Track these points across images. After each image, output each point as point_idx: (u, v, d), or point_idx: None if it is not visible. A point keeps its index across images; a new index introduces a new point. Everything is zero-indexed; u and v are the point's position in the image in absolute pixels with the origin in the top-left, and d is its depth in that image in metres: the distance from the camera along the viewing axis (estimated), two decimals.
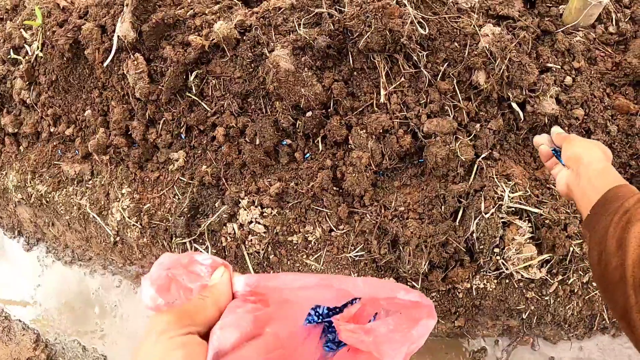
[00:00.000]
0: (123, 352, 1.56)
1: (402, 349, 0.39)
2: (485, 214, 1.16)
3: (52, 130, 1.51)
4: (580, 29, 1.35)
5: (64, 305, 1.63)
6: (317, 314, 0.45)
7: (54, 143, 1.53)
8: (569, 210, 1.19)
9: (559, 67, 1.26)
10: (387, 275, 1.23)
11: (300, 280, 0.42)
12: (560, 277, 1.22)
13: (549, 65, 1.25)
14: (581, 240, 1.19)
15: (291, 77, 1.25)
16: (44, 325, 1.63)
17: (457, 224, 1.20)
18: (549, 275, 1.21)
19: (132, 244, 1.46)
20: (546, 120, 1.22)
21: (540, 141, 0.91)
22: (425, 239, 1.17)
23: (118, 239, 1.48)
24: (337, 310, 0.44)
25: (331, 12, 1.24)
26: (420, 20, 1.19)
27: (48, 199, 1.50)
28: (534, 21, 1.31)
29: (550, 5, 1.36)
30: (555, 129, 0.89)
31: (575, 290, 1.24)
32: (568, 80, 1.27)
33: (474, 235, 1.17)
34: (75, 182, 1.49)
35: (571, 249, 1.18)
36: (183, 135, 1.44)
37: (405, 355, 0.40)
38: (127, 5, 1.32)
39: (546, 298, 1.24)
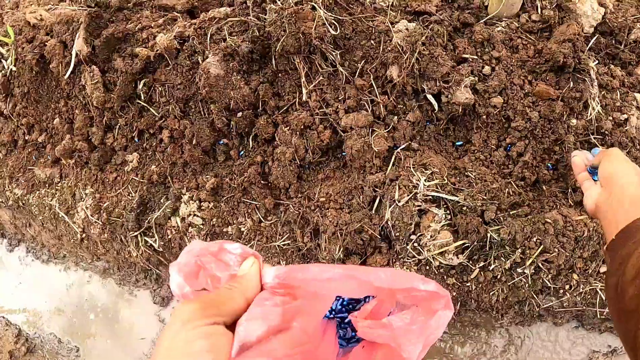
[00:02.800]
0: (95, 344, 1.80)
1: (420, 340, 0.41)
2: (399, 202, 1.28)
3: (26, 138, 1.79)
4: (504, 19, 1.45)
5: (42, 302, 1.90)
6: (330, 309, 0.47)
7: (29, 150, 1.81)
8: (485, 197, 1.29)
9: (476, 57, 1.36)
10: (309, 262, 1.38)
11: (327, 272, 0.43)
12: (482, 264, 1.31)
13: (465, 56, 1.36)
14: (498, 227, 1.28)
15: (221, 82, 1.44)
16: (25, 321, 1.90)
17: (373, 212, 1.33)
18: (470, 262, 1.31)
19: (96, 239, 1.70)
20: (460, 110, 1.32)
21: (578, 155, 0.93)
22: (341, 227, 1.31)
23: (84, 235, 1.72)
24: (351, 306, 0.47)
25: (254, 20, 1.42)
26: (333, 21, 1.35)
27: (24, 202, 1.77)
28: (454, 14, 1.42)
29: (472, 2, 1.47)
30: (597, 150, 0.90)
31: (499, 277, 1.32)
32: (487, 69, 1.36)
33: (389, 223, 1.30)
34: (47, 185, 1.75)
35: (488, 235, 1.27)
36: (136, 139, 1.67)
37: (423, 346, 0.41)
38: (81, 22, 1.57)
39: (468, 284, 1.33)
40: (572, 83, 1.33)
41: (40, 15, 1.73)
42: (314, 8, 1.34)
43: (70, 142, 1.71)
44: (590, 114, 1.33)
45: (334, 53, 1.36)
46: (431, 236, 1.28)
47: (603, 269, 1.37)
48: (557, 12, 1.45)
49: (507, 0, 1.39)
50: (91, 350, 1.81)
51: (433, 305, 0.43)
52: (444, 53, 1.34)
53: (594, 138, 1.35)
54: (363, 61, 1.38)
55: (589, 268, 1.35)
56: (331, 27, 1.34)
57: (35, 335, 1.84)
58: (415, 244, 1.30)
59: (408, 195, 1.29)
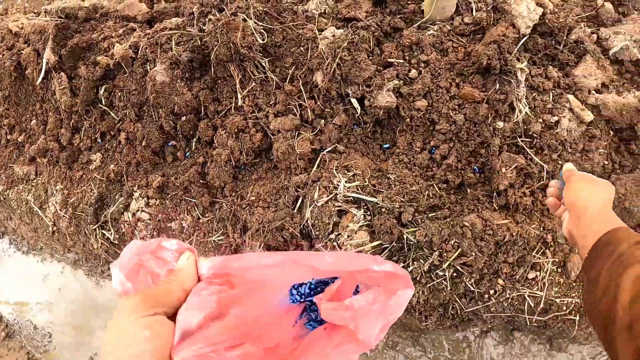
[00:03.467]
0: (65, 330, 1.97)
1: (379, 320, 0.43)
2: (318, 202, 1.34)
3: (8, 137, 2.00)
4: (437, 22, 1.48)
5: (22, 291, 2.10)
6: (299, 293, 0.49)
7: (10, 148, 2.02)
8: (403, 200, 1.33)
9: (403, 61, 1.40)
10: None
11: (265, 259, 0.45)
12: (401, 265, 1.35)
13: (391, 60, 1.40)
14: (415, 229, 1.31)
15: (167, 88, 1.56)
16: (6, 309, 2.10)
17: (295, 211, 1.40)
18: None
19: (65, 232, 1.87)
20: (382, 113, 1.37)
21: (553, 185, 0.93)
22: (265, 225, 1.39)
23: (55, 228, 1.90)
24: (319, 289, 0.48)
25: (196, 31, 1.53)
26: (262, 30, 1.43)
27: (4, 197, 1.98)
28: (385, 19, 1.47)
29: (409, 2, 1.50)
30: (567, 166, 0.90)
31: (418, 279, 1.35)
32: (413, 73, 1.40)
33: (309, 222, 1.36)
34: (24, 181, 1.95)
35: (405, 236, 1.31)
36: (99, 140, 1.82)
37: (382, 326, 0.43)
38: (50, 33, 1.74)
39: None
40: (498, 85, 1.34)
41: (22, 23, 1.94)
42: (245, 19, 1.43)
43: (44, 142, 1.89)
44: (517, 117, 1.34)
45: (263, 61, 1.44)
46: (348, 236, 1.33)
47: (532, 274, 1.37)
48: (493, 14, 1.46)
49: (438, 4, 1.42)
50: (61, 336, 1.98)
51: (393, 285, 0.44)
52: (368, 58, 1.39)
53: (522, 141, 1.35)
54: (293, 67, 1.46)
55: (516, 274, 1.35)
56: (260, 36, 1.42)
57: (14, 321, 2.04)
58: (334, 243, 1.35)
59: (327, 196, 1.35)
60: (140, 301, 0.39)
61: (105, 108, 1.76)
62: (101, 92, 1.74)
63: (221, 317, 0.42)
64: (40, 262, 2.08)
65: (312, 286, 0.49)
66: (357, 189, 1.35)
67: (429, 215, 1.32)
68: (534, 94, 1.39)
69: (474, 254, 1.29)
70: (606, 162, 1.42)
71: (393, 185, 1.35)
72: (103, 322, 1.93)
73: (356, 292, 0.48)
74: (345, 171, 1.38)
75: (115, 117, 1.75)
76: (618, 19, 1.55)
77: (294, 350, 0.46)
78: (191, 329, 0.40)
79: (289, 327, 0.48)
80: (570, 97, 1.38)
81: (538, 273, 1.36)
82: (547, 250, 1.37)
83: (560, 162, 1.36)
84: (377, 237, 1.33)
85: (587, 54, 1.45)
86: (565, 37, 1.46)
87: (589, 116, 1.36)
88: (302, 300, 0.49)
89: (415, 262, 1.34)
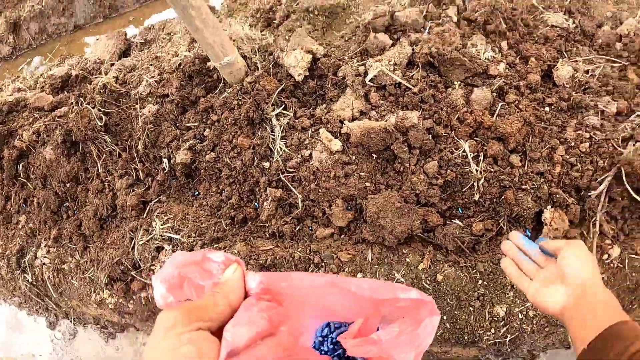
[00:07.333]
0: None
1: (411, 349, 0.45)
2: (140, 241, 1.92)
3: None
4: (234, 84, 2.01)
5: None
6: (321, 337, 0.51)
7: None
8: (195, 235, 1.86)
9: (197, 123, 1.96)
10: None
11: (308, 278, 0.48)
12: None
13: (189, 124, 1.97)
14: None
15: (54, 163, 2.26)
16: None
17: (130, 249, 1.98)
18: None
19: (5, 278, 2.62)
20: (181, 168, 1.93)
21: (521, 246, 0.93)
22: (108, 261, 1.99)
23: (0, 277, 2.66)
24: (339, 332, 0.50)
25: (63, 120, 2.21)
26: (102, 115, 2.07)
27: None
28: (193, 91, 2.04)
29: (213, 73, 2.07)
30: (544, 239, 0.90)
31: None
32: (207, 132, 1.95)
33: (137, 256, 1.94)
34: None
35: None
36: (24, 205, 2.56)
37: (415, 355, 0.46)
38: None
39: None
40: (260, 132, 1.84)
41: None
42: (89, 109, 2.09)
43: None
44: (276, 156, 1.82)
45: (105, 137, 2.08)
46: (160, 266, 1.88)
47: None
48: (272, 68, 1.96)
49: (224, 70, 1.95)
50: None
51: (418, 314, 0.46)
52: (172, 125, 1.97)
53: (284, 177, 1.82)
54: (129, 139, 2.08)
55: None
56: (100, 120, 2.07)
57: None
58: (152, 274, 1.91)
59: (147, 237, 1.92)
60: (181, 315, 0.39)
61: (24, 180, 2.50)
62: (20, 168, 2.49)
63: (272, 335, 0.43)
64: (2, 305, 2.85)
65: (331, 329, 0.50)
66: (170, 230, 1.91)
67: (213, 246, 1.84)
68: (295, 133, 1.85)
69: None
70: (368, 184, 1.83)
71: (191, 224, 1.89)
72: (38, 353, 2.61)
73: (377, 330, 0.51)
74: (163, 216, 1.95)
75: (31, 187, 2.48)
76: (384, 48, 1.95)
77: None
78: (239, 347, 0.40)
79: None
80: (322, 130, 1.82)
81: None
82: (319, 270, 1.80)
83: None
84: None
85: (347, 88, 1.88)
86: (332, 76, 1.91)
87: (336, 145, 1.77)
88: (326, 351, 0.50)
89: None
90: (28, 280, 2.43)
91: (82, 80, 2.39)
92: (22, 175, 2.50)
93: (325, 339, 0.49)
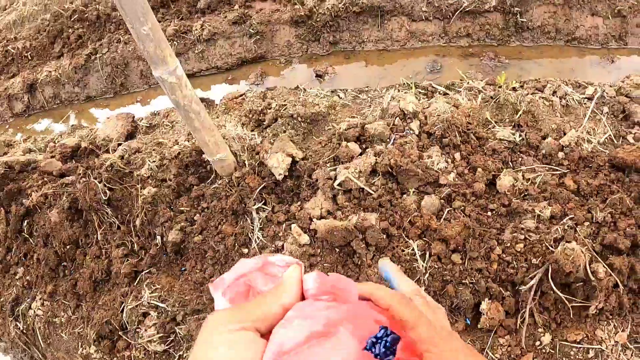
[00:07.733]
0: None
1: None
2: (129, 305, 2.24)
3: None
4: (225, 177, 2.40)
5: None
6: (376, 339, 0.48)
7: None
8: (178, 305, 2.18)
9: (189, 208, 2.33)
10: None
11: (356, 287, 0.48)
12: (180, 352, 2.18)
13: (182, 208, 2.34)
14: (186, 325, 2.15)
15: (58, 225, 2.58)
16: None
17: (119, 312, 2.29)
18: (171, 350, 2.18)
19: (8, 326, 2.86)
20: (171, 246, 2.28)
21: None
22: (98, 320, 2.29)
23: None
24: (394, 347, 0.48)
25: (71, 189, 2.56)
26: (106, 190, 2.43)
27: None
28: (188, 179, 2.42)
29: (207, 164, 2.46)
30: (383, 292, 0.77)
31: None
32: (197, 217, 2.32)
33: (125, 319, 2.25)
34: None
35: (176, 330, 2.15)
36: (23, 258, 2.86)
37: None
38: None
39: None
40: (242, 222, 2.22)
41: None
42: (96, 183, 2.45)
43: None
44: (253, 245, 2.19)
45: (107, 210, 2.43)
46: (145, 330, 2.19)
47: None
48: (257, 166, 2.37)
49: (216, 165, 2.35)
50: None
51: None
52: (167, 207, 2.34)
53: None
54: (129, 214, 2.43)
55: None
56: (104, 195, 2.42)
57: None
58: (138, 337, 2.22)
59: (136, 302, 2.24)
60: (227, 314, 0.40)
61: (27, 236, 2.80)
62: (24, 224, 2.80)
63: (328, 335, 0.42)
64: None
65: (387, 344, 0.48)
66: (156, 298, 2.24)
67: (195, 317, 2.16)
68: (272, 226, 2.24)
69: None
70: None
71: (176, 296, 2.22)
72: None
73: None
74: (152, 286, 2.28)
75: (33, 243, 2.78)
76: (352, 156, 2.37)
77: None
78: (288, 348, 0.39)
79: None
80: (294, 225, 2.21)
81: None
82: None
83: None
84: (161, 331, 2.18)
85: (319, 189, 2.29)
86: (307, 178, 2.32)
87: (304, 239, 2.16)
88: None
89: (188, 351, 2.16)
90: (19, 328, 2.69)
91: (90, 152, 2.76)
92: (25, 231, 2.81)
93: (379, 340, 0.48)
